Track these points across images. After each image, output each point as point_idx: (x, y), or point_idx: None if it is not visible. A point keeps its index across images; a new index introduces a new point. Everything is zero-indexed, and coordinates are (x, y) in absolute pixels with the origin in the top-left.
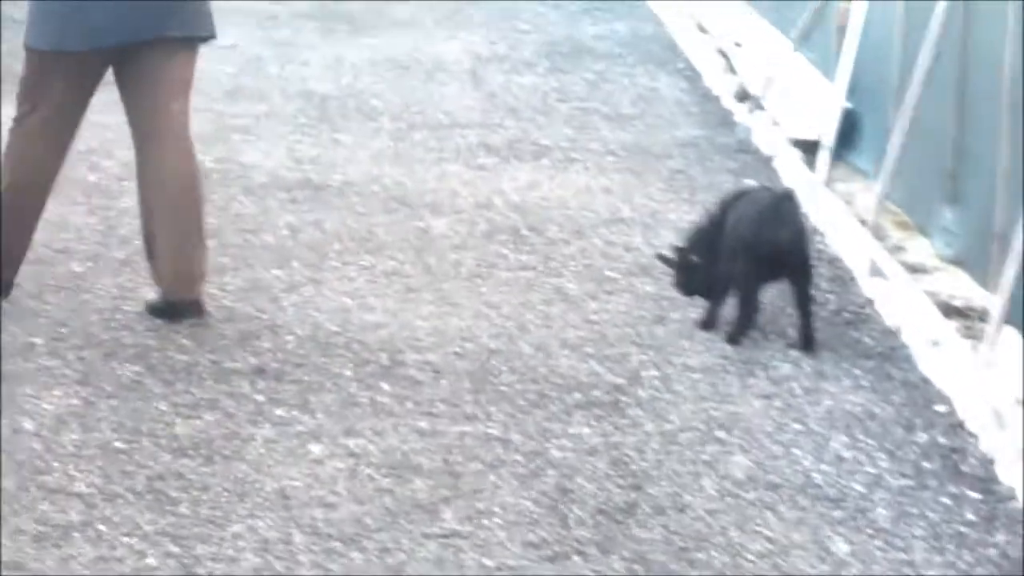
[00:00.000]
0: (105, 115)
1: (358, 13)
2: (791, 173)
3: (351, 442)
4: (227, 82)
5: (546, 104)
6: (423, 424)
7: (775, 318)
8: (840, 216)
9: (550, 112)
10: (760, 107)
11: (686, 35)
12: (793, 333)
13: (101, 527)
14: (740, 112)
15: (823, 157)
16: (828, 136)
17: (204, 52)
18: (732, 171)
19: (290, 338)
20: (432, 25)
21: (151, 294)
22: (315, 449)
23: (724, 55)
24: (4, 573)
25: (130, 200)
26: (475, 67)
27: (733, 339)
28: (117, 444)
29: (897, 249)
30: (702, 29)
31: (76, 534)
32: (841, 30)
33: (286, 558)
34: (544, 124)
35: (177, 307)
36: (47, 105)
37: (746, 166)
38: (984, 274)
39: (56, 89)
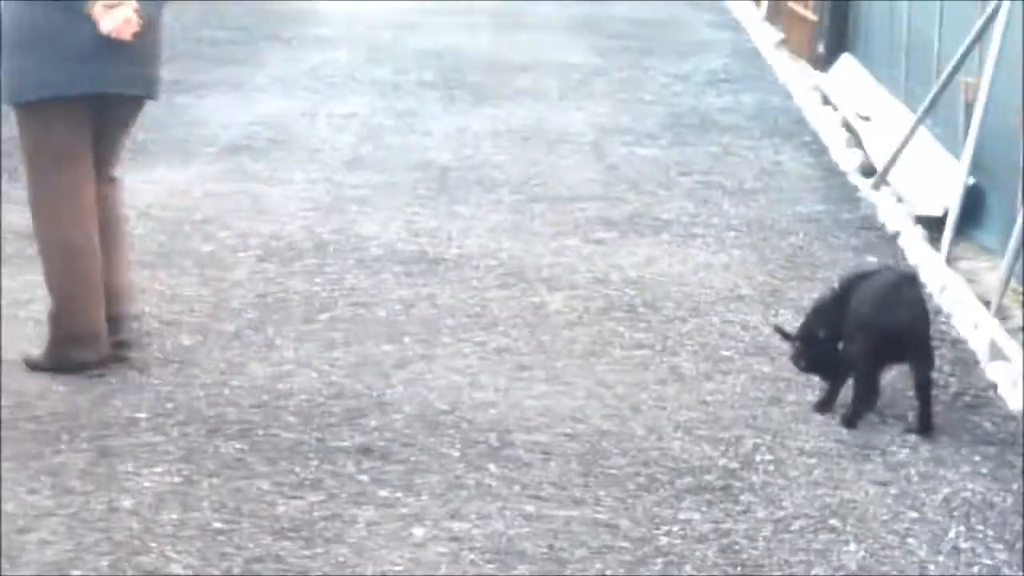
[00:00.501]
0: (220, 184)
1: (481, 83)
2: (915, 251)
3: (455, 525)
4: (347, 152)
5: (668, 177)
6: (529, 508)
7: (893, 401)
8: (963, 296)
9: (672, 186)
10: (885, 183)
11: (813, 108)
12: (912, 417)
13: None
14: (865, 188)
15: (947, 235)
16: (952, 213)
17: (324, 121)
18: (855, 248)
19: (398, 416)
20: (556, 96)
21: (260, 368)
22: (418, 532)
23: (850, 129)
24: None
25: (243, 271)
26: (598, 139)
27: (850, 422)
28: (217, 524)
29: (1021, 331)
30: (828, 102)
31: None
32: (968, 106)
33: None
34: (665, 198)
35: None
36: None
37: (869, 243)
38: None
39: (67, 139)
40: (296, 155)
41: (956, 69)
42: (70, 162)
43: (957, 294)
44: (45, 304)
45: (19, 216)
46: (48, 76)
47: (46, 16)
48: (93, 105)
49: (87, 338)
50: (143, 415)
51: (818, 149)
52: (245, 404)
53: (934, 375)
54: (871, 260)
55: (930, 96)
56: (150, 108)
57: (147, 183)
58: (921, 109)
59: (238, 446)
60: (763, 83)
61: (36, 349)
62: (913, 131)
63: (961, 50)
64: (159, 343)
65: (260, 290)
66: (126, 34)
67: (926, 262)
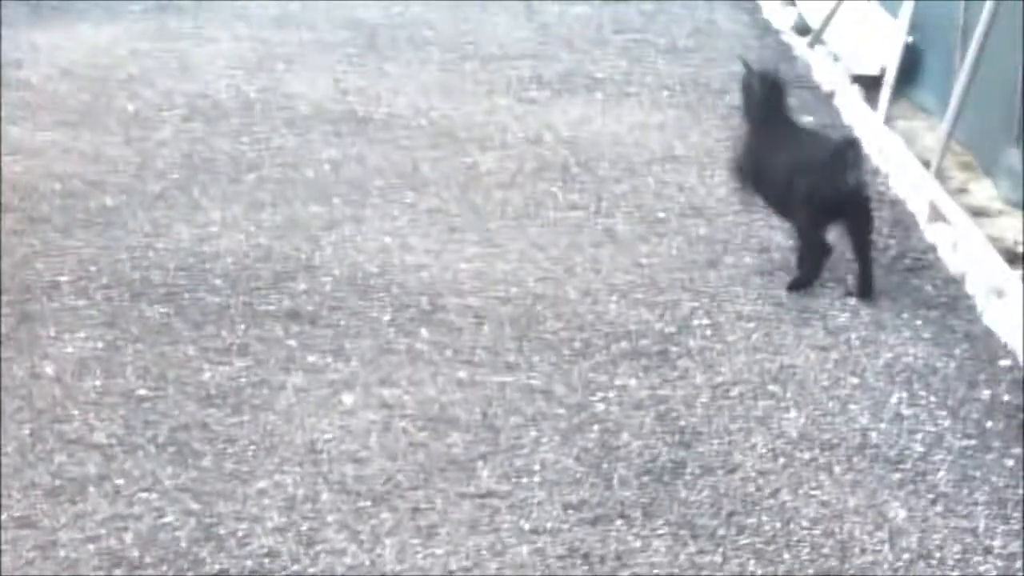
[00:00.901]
0: (144, 41)
1: None
2: (851, 110)
3: (386, 392)
4: (274, 9)
5: (600, 35)
6: (462, 374)
7: (833, 264)
8: (902, 157)
9: (605, 44)
10: (821, 42)
11: None
12: (852, 280)
13: (119, 481)
14: (800, 47)
15: (884, 94)
16: (890, 72)
17: None
18: (791, 108)
19: (327, 279)
20: None
21: (186, 230)
22: (347, 399)
23: None
24: (14, 530)
25: (169, 131)
26: None
27: (797, 286)
28: (141, 391)
29: (960, 192)
30: None
31: (92, 488)
32: None
33: (312, 517)
34: (598, 57)
35: None
36: None
37: (805, 103)
38: None
39: None
40: (222, 13)
41: None
42: None
43: (895, 155)
44: None
45: None
46: None
47: None
48: None
49: None
50: (65, 278)
51: (752, 7)
52: (170, 267)
53: (873, 238)
54: (807, 119)
55: None
56: None
57: (70, 40)
58: None
59: (163, 310)
60: None
61: None
62: None
63: None
64: (82, 204)
65: (185, 150)
66: None
67: (863, 122)
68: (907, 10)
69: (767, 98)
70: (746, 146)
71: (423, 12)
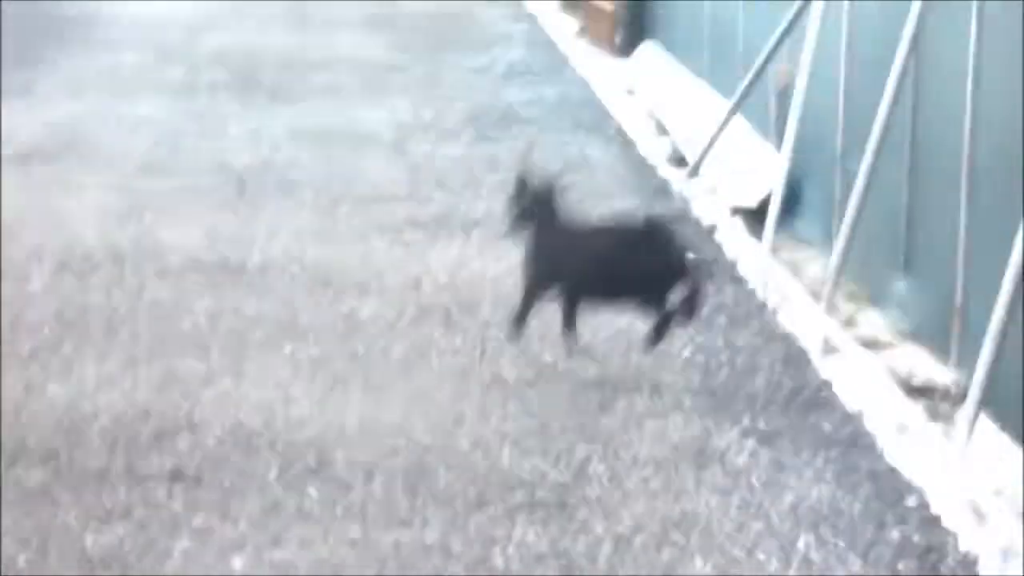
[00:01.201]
0: (11, 192)
1: (277, 82)
2: (734, 243)
3: (276, 554)
4: (141, 156)
5: (473, 175)
6: (355, 531)
7: (726, 399)
8: (790, 290)
9: (478, 184)
10: (697, 174)
11: (616, 98)
12: (748, 420)
13: None
14: (677, 180)
15: (769, 225)
16: (775, 202)
17: (116, 124)
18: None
19: (209, 437)
20: (353, 94)
21: (60, 389)
22: (237, 562)
23: (656, 119)
24: None
25: (38, 284)
26: (399, 137)
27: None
28: (21, 561)
29: (849, 323)
30: (632, 91)
31: None
32: (782, 93)
33: None
34: (472, 197)
35: None
36: None
37: (686, 237)
38: (943, 348)
39: None
40: (89, 161)
41: (769, 57)
42: None
43: (783, 287)
44: None
45: None
46: None
47: None
48: None
49: None
50: None
51: (625, 141)
52: (46, 428)
53: (761, 363)
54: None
55: (744, 86)
56: None
57: None
58: (735, 99)
59: (41, 475)
60: (563, 74)
61: None
62: (727, 120)
63: (774, 40)
64: None
65: (57, 305)
66: None
67: (746, 254)
68: (790, 138)
69: (544, 201)
70: (541, 248)
71: (293, 154)
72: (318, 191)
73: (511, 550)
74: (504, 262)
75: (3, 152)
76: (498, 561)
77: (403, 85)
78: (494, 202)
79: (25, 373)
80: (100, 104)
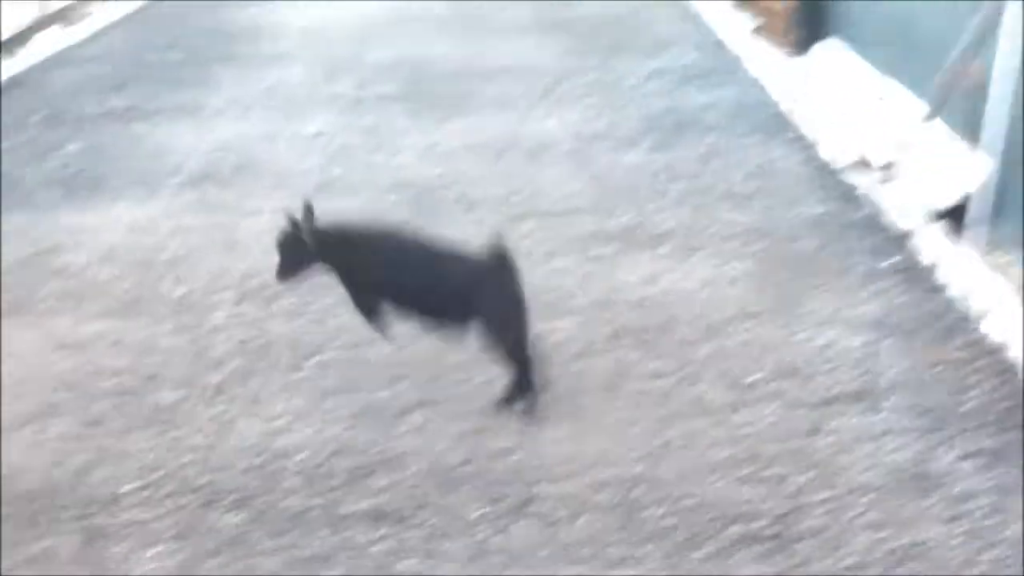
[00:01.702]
0: (187, 218)
1: (448, 93)
2: (933, 248)
3: None
4: (315, 175)
5: (656, 184)
6: (566, 573)
7: (940, 418)
8: (997, 296)
9: (662, 193)
10: (889, 176)
11: (797, 99)
12: (966, 441)
13: None
14: (866, 184)
15: (971, 228)
16: (978, 203)
17: (286, 143)
18: (868, 251)
19: (408, 474)
20: (526, 104)
21: (251, 425)
22: None
23: (841, 119)
24: None
25: (222, 315)
26: (576, 147)
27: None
28: None
29: None
30: (814, 91)
31: None
32: (974, 91)
33: None
34: (657, 208)
35: None
36: None
37: (878, 244)
38: None
39: None
40: (263, 182)
41: (967, 54)
42: None
43: (989, 295)
44: None
45: None
46: None
47: None
48: None
49: None
50: (128, 487)
51: (807, 144)
52: (239, 468)
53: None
54: (884, 263)
55: (942, 85)
56: (106, 139)
57: (109, 222)
58: (934, 99)
59: (237, 519)
60: (738, 76)
61: None
62: (928, 120)
63: (969, 36)
64: (137, 402)
65: (241, 335)
66: None
67: (946, 260)
68: (990, 138)
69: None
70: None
71: (469, 169)
72: (498, 206)
73: None
74: (695, 277)
75: (177, 176)
76: None
77: (576, 92)
78: (680, 213)
79: (213, 410)
80: (269, 123)
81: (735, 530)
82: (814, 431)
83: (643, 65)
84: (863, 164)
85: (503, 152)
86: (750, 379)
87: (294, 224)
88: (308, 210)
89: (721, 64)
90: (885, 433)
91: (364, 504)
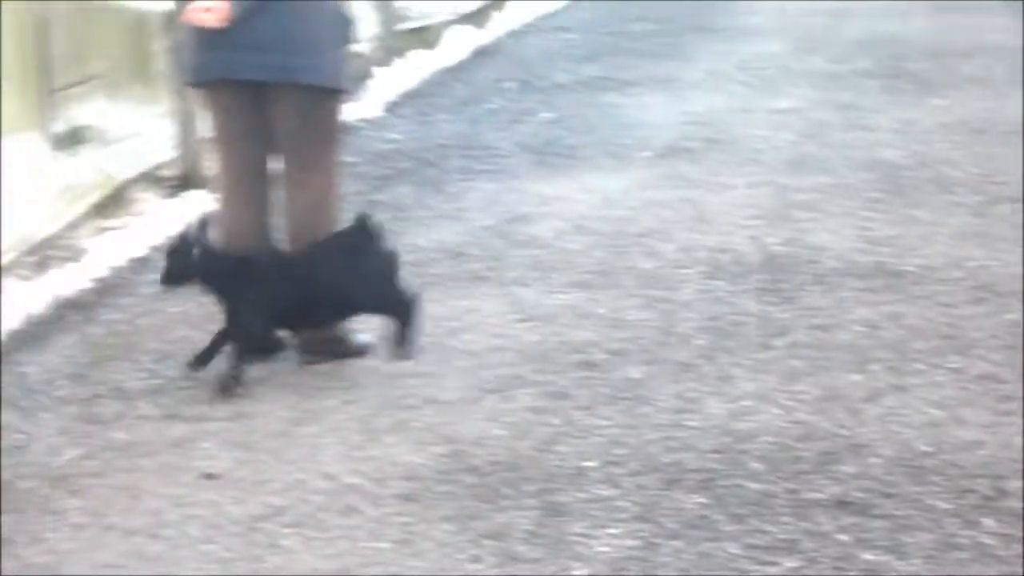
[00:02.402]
0: (657, 190)
1: (923, 71)
2: None
3: None
4: (788, 151)
5: None
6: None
7: None
8: None
9: None
10: None
11: None
12: None
13: None
14: None
15: None
16: None
17: (761, 118)
18: None
19: (875, 460)
20: (1005, 83)
21: (717, 404)
22: None
23: None
24: None
25: (690, 291)
26: None
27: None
28: None
29: None
30: None
31: None
32: None
33: None
34: None
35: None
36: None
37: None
38: None
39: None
40: (735, 157)
41: None
42: (219, 146)
43: None
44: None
45: (450, 233)
46: (186, 63)
47: None
48: (244, 94)
49: None
50: (592, 463)
51: None
52: (703, 449)
53: None
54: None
55: None
56: (579, 109)
57: (580, 192)
58: None
59: (699, 500)
60: None
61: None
62: None
63: None
64: (605, 377)
65: (710, 312)
66: (209, 21)
67: None
68: None
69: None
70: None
71: (945, 149)
72: (974, 189)
73: None
74: None
75: (648, 149)
76: None
77: None
78: None
79: (679, 387)
80: (742, 97)
81: None
82: None
83: None
84: None
85: (979, 134)
86: None
87: (183, 239)
88: (202, 226)
89: None
90: None
91: (829, 491)
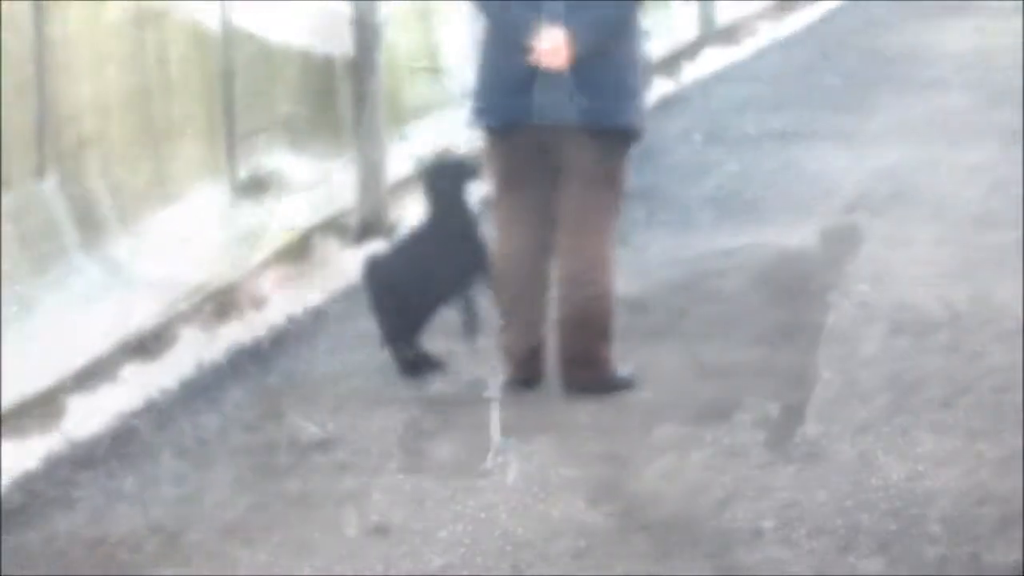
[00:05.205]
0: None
1: None
2: None
3: None
4: (974, 207)
5: None
6: None
7: None
8: None
9: None
10: None
11: None
12: None
13: None
14: None
15: None
16: None
17: (944, 172)
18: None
19: None
20: None
21: (896, 464)
22: None
23: None
24: None
25: (871, 347)
26: None
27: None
28: None
29: None
30: None
31: None
32: None
33: None
34: None
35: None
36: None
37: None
38: None
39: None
40: (918, 211)
41: None
42: (505, 192)
43: None
44: None
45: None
46: (480, 105)
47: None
48: (541, 141)
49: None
50: (769, 523)
51: None
52: (882, 509)
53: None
54: None
55: None
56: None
57: (758, 247)
58: None
59: (877, 564)
60: None
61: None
62: None
63: None
64: (781, 433)
65: (892, 369)
66: (556, 62)
67: None
68: None
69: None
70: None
71: None
72: None
73: None
74: None
75: (828, 203)
76: None
77: None
78: None
79: (858, 446)
80: (928, 150)
81: None
82: None
83: None
84: None
85: None
86: None
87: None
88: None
89: None
90: None
91: (1011, 556)
